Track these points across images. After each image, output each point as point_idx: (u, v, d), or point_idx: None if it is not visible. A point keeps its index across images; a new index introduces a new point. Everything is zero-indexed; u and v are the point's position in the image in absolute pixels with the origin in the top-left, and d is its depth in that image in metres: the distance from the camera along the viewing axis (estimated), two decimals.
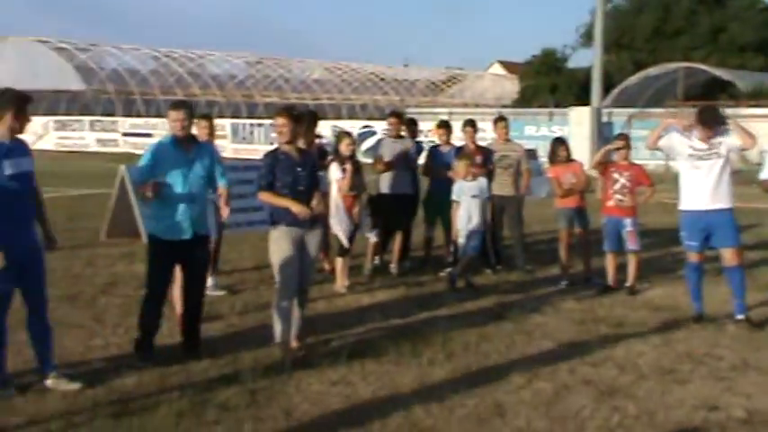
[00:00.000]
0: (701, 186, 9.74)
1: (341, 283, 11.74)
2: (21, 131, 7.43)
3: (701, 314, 10.04)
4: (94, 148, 47.27)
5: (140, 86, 59.48)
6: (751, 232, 15.35)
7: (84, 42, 64.21)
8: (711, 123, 9.72)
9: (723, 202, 9.74)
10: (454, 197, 12.07)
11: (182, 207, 8.28)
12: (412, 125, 13.64)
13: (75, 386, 7.43)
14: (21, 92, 7.48)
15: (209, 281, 10.04)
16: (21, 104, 7.29)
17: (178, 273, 8.72)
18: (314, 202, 8.59)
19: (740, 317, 9.81)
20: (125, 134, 48.48)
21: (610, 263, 11.80)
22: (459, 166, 12.16)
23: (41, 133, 45.76)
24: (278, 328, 8.57)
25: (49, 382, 7.51)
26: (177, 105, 8.67)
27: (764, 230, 16.42)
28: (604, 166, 11.82)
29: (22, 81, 52.02)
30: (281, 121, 8.59)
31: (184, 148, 8.37)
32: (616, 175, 11.59)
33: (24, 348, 7.76)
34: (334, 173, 11.75)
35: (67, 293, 10.94)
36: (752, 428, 6.81)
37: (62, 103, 58.38)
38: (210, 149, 8.95)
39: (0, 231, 7.13)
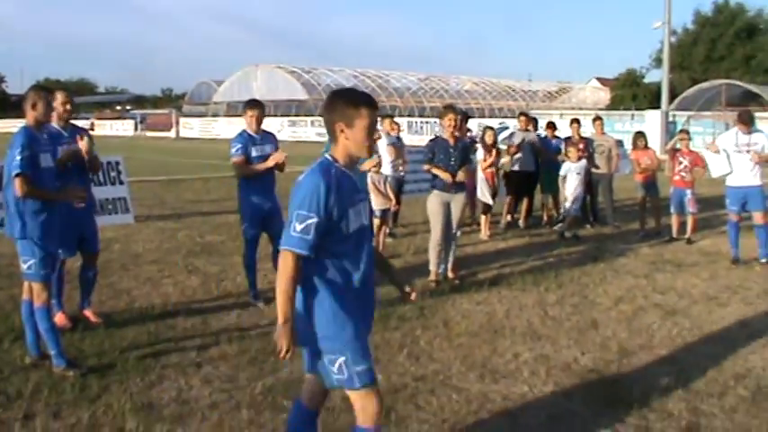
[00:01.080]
0: (741, 169, 9.60)
1: (485, 232, 11.80)
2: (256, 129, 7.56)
3: (737, 258, 9.84)
4: (314, 139, 48.27)
5: None
6: None
7: (308, 66, 65.55)
8: (747, 121, 9.79)
9: (756, 181, 9.64)
10: (562, 173, 12.09)
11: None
12: (533, 122, 13.63)
13: None
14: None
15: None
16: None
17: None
18: (459, 175, 8.67)
19: (764, 260, 9.65)
20: None
21: (674, 221, 11.60)
22: (571, 152, 12.25)
23: (279, 129, 46.97)
24: (433, 263, 8.71)
25: None
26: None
27: None
28: (673, 152, 11.67)
29: (268, 94, 53.93)
30: (450, 115, 8.63)
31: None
32: (681, 159, 11.44)
33: (270, 274, 7.92)
34: (480, 155, 11.97)
35: None
36: None
37: (293, 109, 59.76)
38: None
39: (255, 195, 7.52)
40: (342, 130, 3.49)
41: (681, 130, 12.55)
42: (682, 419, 4.88)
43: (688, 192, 11.38)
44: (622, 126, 33.70)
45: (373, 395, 3.54)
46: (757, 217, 9.71)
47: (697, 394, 5.31)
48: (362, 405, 3.55)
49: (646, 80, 63.51)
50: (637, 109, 42.48)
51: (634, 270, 9.47)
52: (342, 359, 3.49)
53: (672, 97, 39.99)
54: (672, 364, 5.93)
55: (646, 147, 12.47)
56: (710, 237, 11.87)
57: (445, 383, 5.53)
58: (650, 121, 32.68)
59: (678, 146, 11.65)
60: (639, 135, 12.70)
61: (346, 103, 3.49)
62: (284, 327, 3.40)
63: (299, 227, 3.38)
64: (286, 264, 3.40)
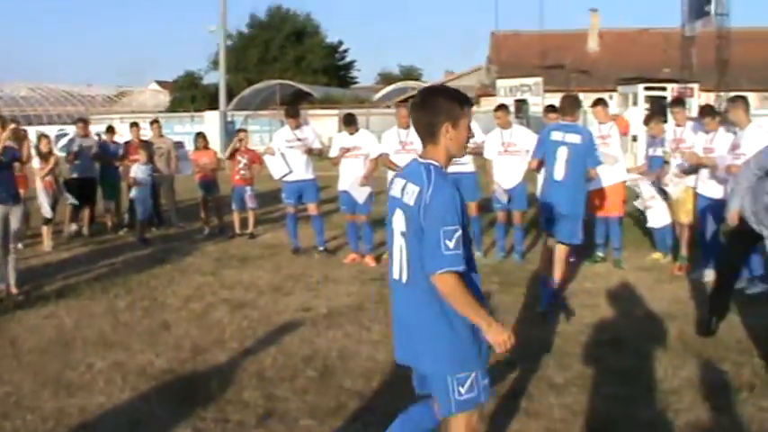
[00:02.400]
0: (296, 165, 10.21)
1: (47, 244, 11.02)
2: None
3: (297, 248, 10.43)
4: None
5: None
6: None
7: None
8: (293, 115, 10.51)
9: (309, 175, 10.38)
10: (132, 174, 11.92)
11: None
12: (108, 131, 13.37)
13: None
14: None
15: None
16: None
17: None
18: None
19: (321, 248, 10.35)
20: None
21: (236, 218, 12.00)
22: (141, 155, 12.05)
23: None
24: None
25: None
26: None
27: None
28: (234, 153, 12.01)
29: None
30: None
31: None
32: (239, 158, 11.88)
33: None
34: (37, 163, 11.14)
35: None
36: (330, 318, 7.19)
37: None
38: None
39: None
40: (447, 130, 3.30)
41: (238, 130, 12.97)
42: (258, 407, 5.07)
43: (248, 189, 11.81)
44: (183, 128, 34.01)
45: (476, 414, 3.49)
46: (311, 208, 10.40)
47: (270, 381, 5.55)
48: (467, 422, 3.42)
49: (204, 82, 64.76)
50: (196, 110, 43.16)
51: (201, 268, 9.60)
52: (474, 374, 3.34)
53: (229, 98, 41.33)
54: (244, 356, 6.12)
55: (206, 147, 12.75)
56: (272, 230, 12.48)
57: (19, 404, 5.15)
58: (209, 122, 33.34)
59: (238, 146, 12.03)
60: (199, 136, 12.93)
61: (452, 101, 3.32)
62: (495, 325, 3.23)
63: (450, 244, 3.11)
64: (452, 285, 3.15)
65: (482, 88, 44.27)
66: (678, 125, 9.24)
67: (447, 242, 3.12)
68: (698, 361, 5.82)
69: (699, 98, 26.67)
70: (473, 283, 3.33)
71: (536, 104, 27.09)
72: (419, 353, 3.38)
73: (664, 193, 9.23)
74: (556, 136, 7.33)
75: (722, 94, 24.63)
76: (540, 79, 29.90)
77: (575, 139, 7.22)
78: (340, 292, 8.28)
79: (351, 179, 9.61)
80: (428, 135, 3.34)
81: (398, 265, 3.40)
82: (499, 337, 3.24)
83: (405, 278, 3.37)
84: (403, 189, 3.35)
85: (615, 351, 6.08)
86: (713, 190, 8.30)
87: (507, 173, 9.38)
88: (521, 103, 27.87)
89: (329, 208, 13.39)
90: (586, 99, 10.41)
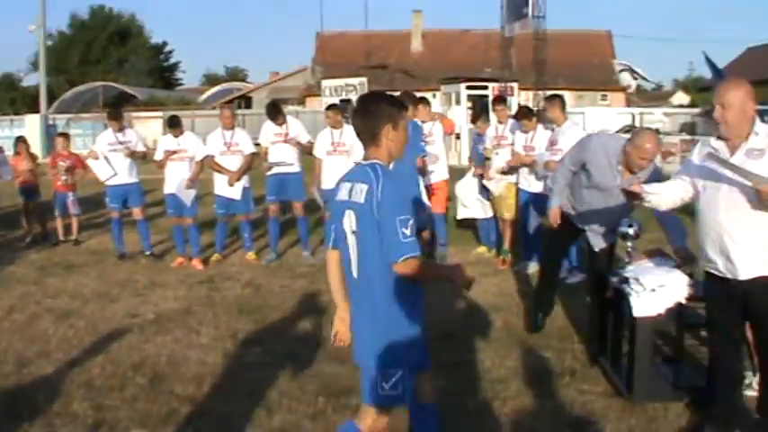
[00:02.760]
0: (119, 168, 9.92)
1: None
2: None
3: (123, 253, 10.17)
4: None
5: None
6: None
7: None
8: (116, 117, 10.23)
9: (133, 179, 10.15)
10: None
11: None
12: None
13: None
14: None
15: None
16: None
17: None
18: None
19: (148, 252, 10.17)
20: None
21: (59, 224, 11.52)
22: None
23: None
24: None
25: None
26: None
27: None
28: (54, 156, 11.59)
29: None
30: None
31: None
32: (60, 162, 11.43)
33: None
34: None
35: None
36: (158, 324, 7.08)
37: None
38: None
39: None
40: (388, 132, 3.53)
41: (60, 134, 12.44)
42: (87, 418, 4.92)
43: (70, 194, 11.40)
44: (2, 132, 32.66)
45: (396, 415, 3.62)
46: (136, 212, 10.16)
47: (99, 391, 5.39)
48: (376, 422, 3.58)
49: (24, 84, 61.62)
50: (16, 114, 40.89)
51: (24, 277, 9.15)
52: (400, 374, 3.51)
53: (50, 101, 39.56)
54: (71, 366, 5.91)
55: (27, 151, 12.09)
56: (96, 236, 12.04)
57: None
58: (30, 126, 31.84)
59: (57, 148, 11.55)
60: (20, 140, 12.39)
61: (392, 106, 3.57)
62: (457, 270, 3.61)
63: (407, 231, 3.31)
64: (415, 267, 3.35)
65: (307, 89, 44.55)
66: (500, 122, 9.68)
67: (404, 230, 3.31)
68: (522, 350, 6.15)
69: (519, 96, 28.07)
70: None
71: None
72: (359, 345, 3.61)
73: (486, 190, 9.65)
74: None
75: (540, 92, 25.99)
76: (364, 79, 30.39)
77: None
78: (168, 296, 8.15)
79: (177, 182, 9.47)
80: (371, 138, 3.55)
81: (348, 263, 3.59)
82: (465, 276, 3.58)
83: (356, 274, 3.54)
84: (351, 191, 3.52)
85: (444, 345, 6.23)
86: (534, 185, 8.79)
87: (337, 172, 9.47)
88: (346, 103, 28.22)
89: (155, 212, 13.10)
90: None
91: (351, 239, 3.53)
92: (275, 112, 9.80)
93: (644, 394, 4.99)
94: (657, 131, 24.89)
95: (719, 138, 4.23)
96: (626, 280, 5.10)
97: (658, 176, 5.44)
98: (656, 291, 4.90)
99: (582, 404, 5.10)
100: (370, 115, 3.56)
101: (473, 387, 5.42)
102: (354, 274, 3.56)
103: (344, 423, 3.90)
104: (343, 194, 3.58)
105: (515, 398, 5.20)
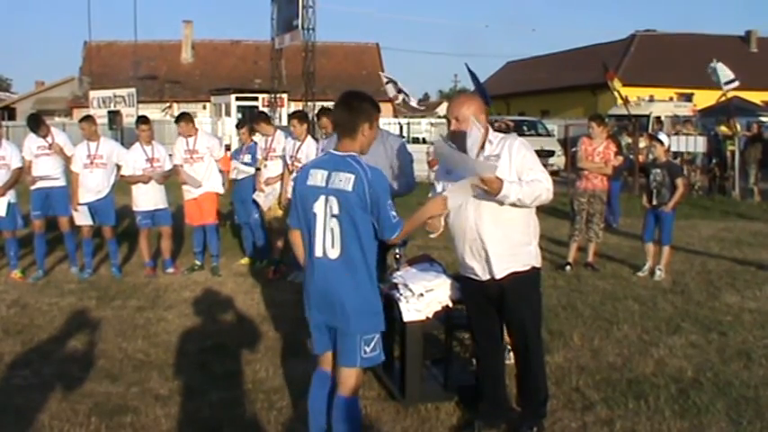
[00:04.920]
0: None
1: None
2: None
3: None
4: None
5: None
6: None
7: None
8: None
9: None
10: None
11: None
12: None
13: None
14: None
15: None
16: None
17: None
18: None
19: None
20: None
21: None
22: None
23: None
24: None
25: None
26: None
27: None
28: None
29: None
30: None
31: None
32: None
33: None
34: None
35: None
36: None
37: None
38: None
39: None
40: (364, 130, 3.95)
41: None
42: None
43: None
44: None
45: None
46: None
47: None
48: (357, 379, 4.04)
49: None
50: None
51: None
52: (378, 336, 4.00)
53: None
54: None
55: None
56: None
57: None
58: None
59: None
60: None
61: (373, 106, 4.01)
62: (426, 208, 4.11)
63: (394, 212, 3.88)
64: (406, 230, 3.93)
65: (74, 100, 42.20)
66: (267, 135, 9.54)
67: (392, 213, 3.88)
68: (296, 359, 6.12)
69: (288, 107, 28.16)
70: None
71: (130, 115, 26.34)
72: (339, 314, 3.92)
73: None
74: None
75: (309, 103, 26.21)
76: (133, 90, 29.23)
77: None
78: None
79: None
80: (349, 131, 3.94)
81: (323, 243, 3.93)
82: (436, 208, 4.11)
83: (334, 254, 3.91)
84: (328, 178, 3.89)
85: (218, 356, 6.19)
86: None
87: (94, 186, 9.02)
88: (114, 115, 26.94)
89: None
90: (179, 110, 10.42)
91: (332, 223, 3.89)
92: (37, 123, 9.24)
93: (416, 396, 5.13)
94: (424, 141, 26.13)
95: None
96: (395, 286, 5.21)
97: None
98: (423, 295, 5.06)
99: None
100: (353, 111, 3.95)
101: (248, 398, 5.36)
102: (332, 254, 3.91)
103: (317, 371, 4.28)
104: (315, 181, 3.94)
105: (291, 406, 5.19)
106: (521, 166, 4.38)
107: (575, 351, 6.34)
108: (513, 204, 4.33)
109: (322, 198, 3.89)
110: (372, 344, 3.97)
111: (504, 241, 4.45)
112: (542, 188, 4.35)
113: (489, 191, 4.21)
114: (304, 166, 4.08)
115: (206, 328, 7.14)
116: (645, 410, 5.07)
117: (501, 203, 4.33)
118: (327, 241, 3.90)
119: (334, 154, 3.96)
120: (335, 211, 3.86)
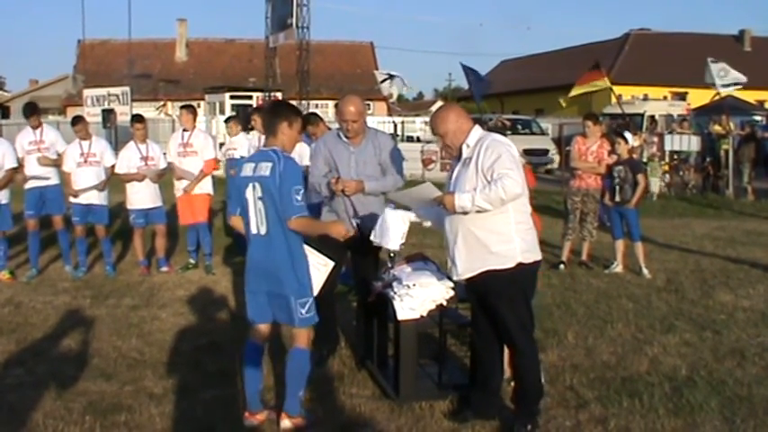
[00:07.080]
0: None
1: None
2: None
3: None
4: None
5: None
6: None
7: None
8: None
9: None
10: None
11: None
12: None
13: None
14: None
15: None
16: None
17: None
18: None
19: None
20: None
21: None
22: None
23: None
24: None
25: None
26: None
27: None
28: None
29: None
30: None
31: None
32: None
33: None
34: None
35: None
36: None
37: None
38: None
39: None
40: (284, 129, 4.67)
41: None
42: None
43: None
44: None
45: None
46: None
47: None
48: (307, 334, 4.75)
49: None
50: None
51: None
52: (311, 300, 4.65)
53: None
54: None
55: None
56: None
57: None
58: None
59: None
60: None
61: (290, 110, 4.88)
62: (333, 225, 4.88)
63: (299, 197, 4.46)
64: (303, 224, 4.54)
65: (68, 98, 42.04)
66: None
67: (296, 197, 4.46)
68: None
69: None
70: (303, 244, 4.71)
71: (124, 114, 26.22)
72: (273, 280, 4.59)
73: None
74: None
75: (304, 102, 26.14)
76: (128, 88, 29.08)
77: None
78: None
79: None
80: (272, 131, 4.70)
81: (256, 222, 4.62)
82: (339, 229, 4.74)
83: (263, 230, 4.60)
84: (255, 168, 4.59)
85: (213, 354, 6.18)
86: None
87: (88, 185, 8.99)
88: (108, 113, 26.81)
89: None
90: (174, 108, 10.41)
91: (258, 205, 4.58)
92: (31, 111, 9.21)
93: (410, 395, 5.12)
94: (419, 139, 26.09)
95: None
96: (390, 285, 5.20)
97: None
98: (418, 294, 5.04)
99: (351, 408, 5.16)
100: (273, 114, 4.78)
101: (242, 396, 5.29)
102: (262, 231, 4.60)
103: (249, 343, 4.87)
104: (247, 172, 4.64)
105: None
106: (487, 168, 4.41)
107: (569, 349, 6.35)
108: (479, 211, 4.42)
109: (251, 185, 4.60)
110: (306, 306, 4.63)
111: (475, 243, 4.54)
112: (507, 184, 4.30)
113: (447, 208, 4.51)
114: (239, 161, 5.12)
115: (200, 327, 7.12)
116: (639, 409, 5.08)
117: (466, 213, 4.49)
118: (258, 220, 4.61)
119: (262, 149, 4.86)
120: (259, 194, 4.56)
